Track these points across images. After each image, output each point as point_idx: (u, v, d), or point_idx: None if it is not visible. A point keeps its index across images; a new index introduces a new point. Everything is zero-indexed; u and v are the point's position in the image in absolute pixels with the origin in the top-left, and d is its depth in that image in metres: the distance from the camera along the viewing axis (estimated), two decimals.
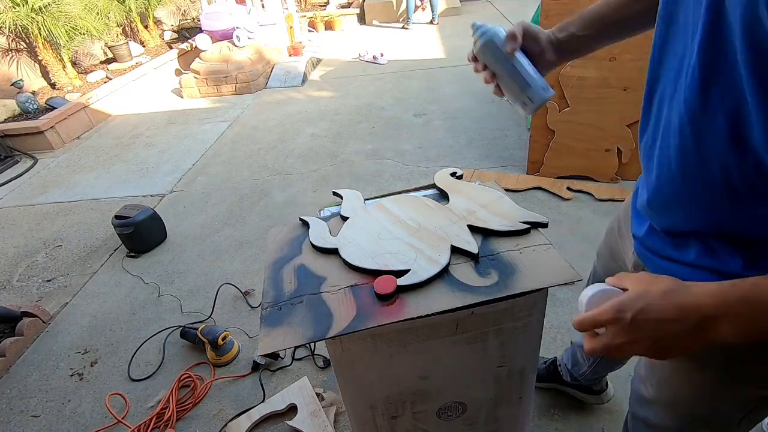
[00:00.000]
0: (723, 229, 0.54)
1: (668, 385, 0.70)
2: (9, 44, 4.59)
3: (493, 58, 0.75)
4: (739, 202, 0.50)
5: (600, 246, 0.96)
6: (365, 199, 1.04)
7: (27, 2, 4.17)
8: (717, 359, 0.60)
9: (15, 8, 4.16)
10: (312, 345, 1.68)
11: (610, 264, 0.89)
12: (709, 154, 0.49)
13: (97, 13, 4.89)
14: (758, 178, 0.46)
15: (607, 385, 1.36)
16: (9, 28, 4.16)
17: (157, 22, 6.56)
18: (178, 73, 5.46)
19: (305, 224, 0.97)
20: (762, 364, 0.57)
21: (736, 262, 0.53)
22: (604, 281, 0.75)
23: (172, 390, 1.56)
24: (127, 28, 5.95)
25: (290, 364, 1.64)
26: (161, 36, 6.44)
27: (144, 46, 6.01)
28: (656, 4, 0.58)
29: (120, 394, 1.60)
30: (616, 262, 0.86)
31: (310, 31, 7.03)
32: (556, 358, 1.41)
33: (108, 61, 5.48)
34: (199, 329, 1.68)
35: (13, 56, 4.64)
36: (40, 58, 4.60)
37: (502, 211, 0.92)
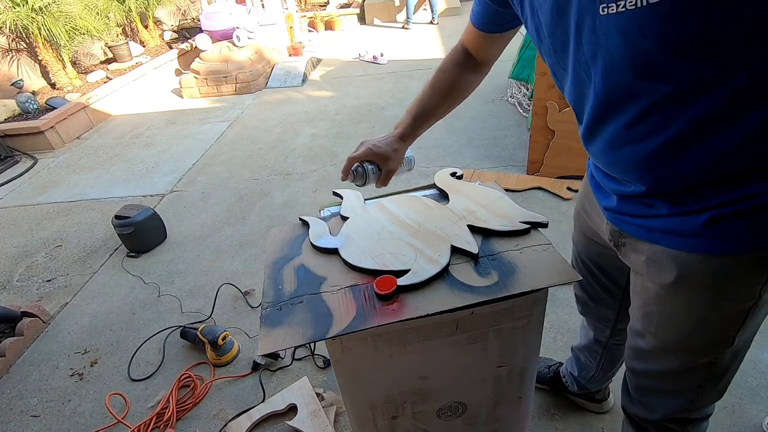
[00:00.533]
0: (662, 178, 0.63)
1: (668, 328, 0.74)
2: (9, 44, 4.59)
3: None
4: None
5: (573, 233, 1.01)
6: (365, 199, 1.04)
7: (27, 2, 4.17)
8: (706, 284, 0.66)
9: (15, 8, 4.16)
10: (312, 345, 1.68)
11: (587, 243, 0.95)
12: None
13: (97, 13, 4.89)
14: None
15: (609, 394, 1.35)
16: (9, 28, 4.16)
17: (157, 22, 6.56)
18: (178, 73, 5.46)
19: (305, 224, 0.97)
20: (744, 277, 0.63)
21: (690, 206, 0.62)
22: (588, 264, 0.97)
23: (172, 390, 1.56)
24: (127, 28, 5.95)
25: (290, 364, 1.64)
26: (161, 36, 6.44)
27: (144, 46, 6.01)
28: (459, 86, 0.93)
29: (120, 394, 1.60)
30: (591, 240, 0.93)
31: (310, 31, 7.03)
32: (559, 369, 1.39)
33: (108, 61, 5.48)
34: (199, 329, 1.68)
35: (13, 56, 4.64)
36: (40, 58, 4.60)
37: (502, 211, 0.92)
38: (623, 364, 1.20)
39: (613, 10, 0.50)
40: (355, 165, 0.90)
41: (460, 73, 0.94)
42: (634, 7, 0.48)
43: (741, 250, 0.61)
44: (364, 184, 0.92)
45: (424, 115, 0.94)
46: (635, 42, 0.51)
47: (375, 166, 0.91)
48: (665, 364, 0.78)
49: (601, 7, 0.51)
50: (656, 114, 0.57)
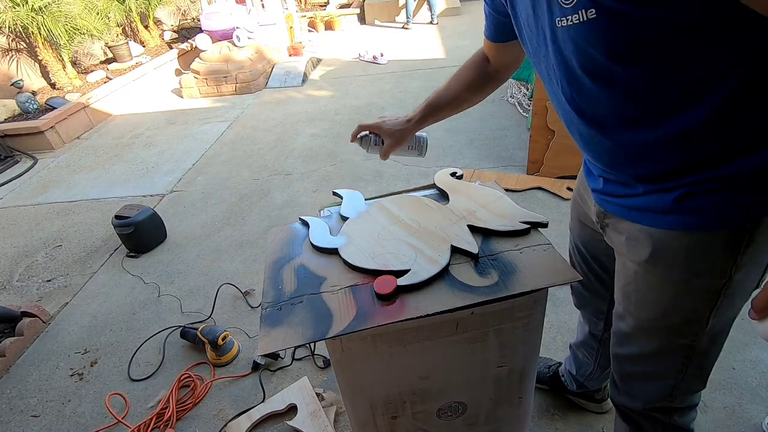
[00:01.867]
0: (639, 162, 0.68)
1: (645, 305, 0.76)
2: (9, 44, 4.59)
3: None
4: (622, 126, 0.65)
5: (570, 222, 1.03)
6: (365, 199, 1.04)
7: (27, 2, 4.17)
8: (678, 261, 0.69)
9: (15, 8, 4.16)
10: (312, 345, 1.68)
11: (582, 230, 0.98)
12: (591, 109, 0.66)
13: (97, 13, 4.89)
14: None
15: (608, 394, 1.35)
16: (9, 28, 4.16)
17: (157, 22, 6.56)
18: (178, 73, 5.46)
19: (305, 224, 0.97)
20: (714, 254, 0.66)
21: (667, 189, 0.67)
22: (583, 251, 1.00)
23: (172, 390, 1.56)
24: (127, 28, 5.95)
25: (290, 364, 1.64)
26: (161, 36, 6.44)
27: (144, 46, 6.01)
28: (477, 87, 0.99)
29: (120, 394, 1.60)
30: (585, 225, 0.95)
31: (310, 31, 7.04)
32: (558, 369, 1.39)
33: (108, 61, 5.48)
34: (199, 329, 1.68)
35: (13, 56, 4.64)
36: (40, 58, 4.60)
37: (502, 211, 0.92)
38: None
39: (564, 23, 0.58)
40: (364, 132, 1.02)
41: (477, 73, 0.99)
42: (578, 21, 0.55)
43: (707, 227, 0.64)
44: (367, 151, 1.04)
45: (436, 106, 1.01)
46: (585, 50, 0.58)
47: (379, 138, 1.02)
48: (644, 345, 0.79)
49: (557, 19, 0.59)
50: (614, 115, 0.64)
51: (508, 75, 1.01)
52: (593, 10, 0.53)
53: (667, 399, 0.83)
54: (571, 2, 0.55)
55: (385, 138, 1.01)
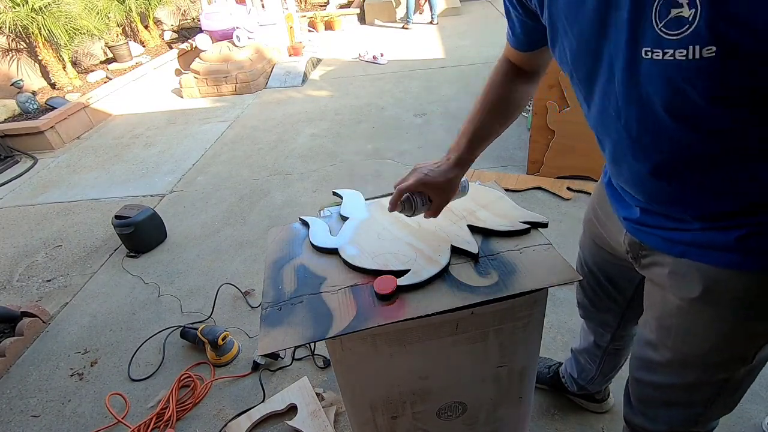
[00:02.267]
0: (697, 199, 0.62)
1: (687, 341, 0.71)
2: (9, 44, 4.59)
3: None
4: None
5: (581, 237, 0.99)
6: (365, 199, 1.04)
7: (27, 2, 4.17)
8: (735, 300, 0.64)
9: (15, 8, 4.16)
10: (312, 345, 1.68)
11: (596, 251, 0.94)
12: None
13: (97, 13, 4.89)
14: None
15: (609, 394, 1.35)
16: (9, 28, 4.15)
17: (157, 22, 6.56)
18: (178, 73, 5.46)
19: (305, 224, 0.97)
20: None
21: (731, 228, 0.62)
22: (595, 271, 0.96)
23: (172, 390, 1.56)
24: (127, 28, 5.95)
25: (290, 364, 1.64)
26: (161, 36, 6.44)
27: (144, 46, 6.01)
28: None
29: (120, 394, 1.60)
30: (601, 248, 0.91)
31: (310, 31, 7.03)
32: (559, 369, 1.39)
33: (108, 61, 5.48)
34: (199, 329, 1.68)
35: (13, 56, 4.64)
36: (40, 58, 4.60)
37: (502, 211, 0.92)
38: (623, 367, 1.20)
39: (658, 56, 0.48)
40: (405, 196, 0.82)
41: (513, 84, 0.86)
42: (683, 58, 0.46)
43: None
44: (412, 215, 0.85)
45: (482, 136, 0.85)
46: (681, 90, 0.49)
47: (425, 197, 0.83)
48: (679, 377, 0.76)
49: (643, 50, 0.50)
50: (689, 157, 0.56)
51: (542, 75, 0.89)
52: (713, 48, 0.44)
53: (691, 425, 0.80)
54: (679, 33, 0.45)
55: (435, 195, 0.83)
